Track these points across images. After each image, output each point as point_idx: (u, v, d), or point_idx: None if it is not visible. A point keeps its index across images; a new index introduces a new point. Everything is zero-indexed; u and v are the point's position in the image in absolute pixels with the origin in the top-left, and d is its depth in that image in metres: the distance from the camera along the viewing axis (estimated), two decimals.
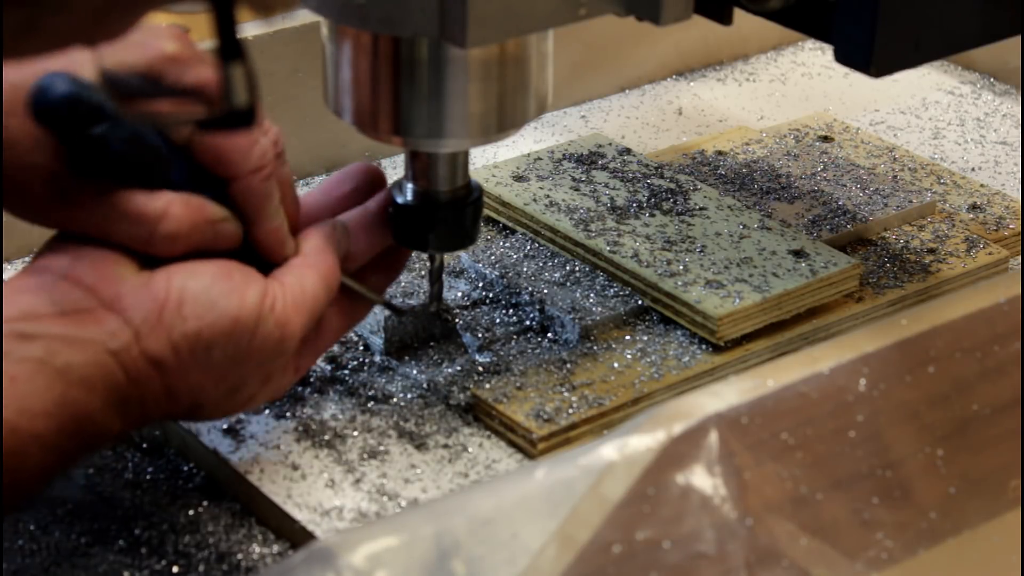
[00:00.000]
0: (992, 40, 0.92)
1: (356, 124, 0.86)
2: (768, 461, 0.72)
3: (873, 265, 1.04)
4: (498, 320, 0.98)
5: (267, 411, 0.91)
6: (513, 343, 0.96)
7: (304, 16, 1.15)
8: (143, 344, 0.78)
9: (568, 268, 1.01)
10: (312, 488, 0.87)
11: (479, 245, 1.03)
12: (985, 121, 1.30)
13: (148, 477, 0.90)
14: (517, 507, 0.68)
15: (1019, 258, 1.09)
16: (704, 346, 0.96)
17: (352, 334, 0.97)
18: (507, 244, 1.04)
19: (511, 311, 0.99)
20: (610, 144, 1.13)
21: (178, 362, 0.79)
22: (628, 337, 0.97)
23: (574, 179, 1.09)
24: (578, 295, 0.99)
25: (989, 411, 0.79)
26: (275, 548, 0.85)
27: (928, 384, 0.77)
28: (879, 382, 0.76)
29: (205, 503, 0.88)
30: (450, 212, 0.89)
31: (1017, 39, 0.96)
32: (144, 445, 0.91)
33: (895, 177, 1.14)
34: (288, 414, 0.92)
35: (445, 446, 0.90)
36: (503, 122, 0.86)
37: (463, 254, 1.02)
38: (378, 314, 0.95)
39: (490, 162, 1.19)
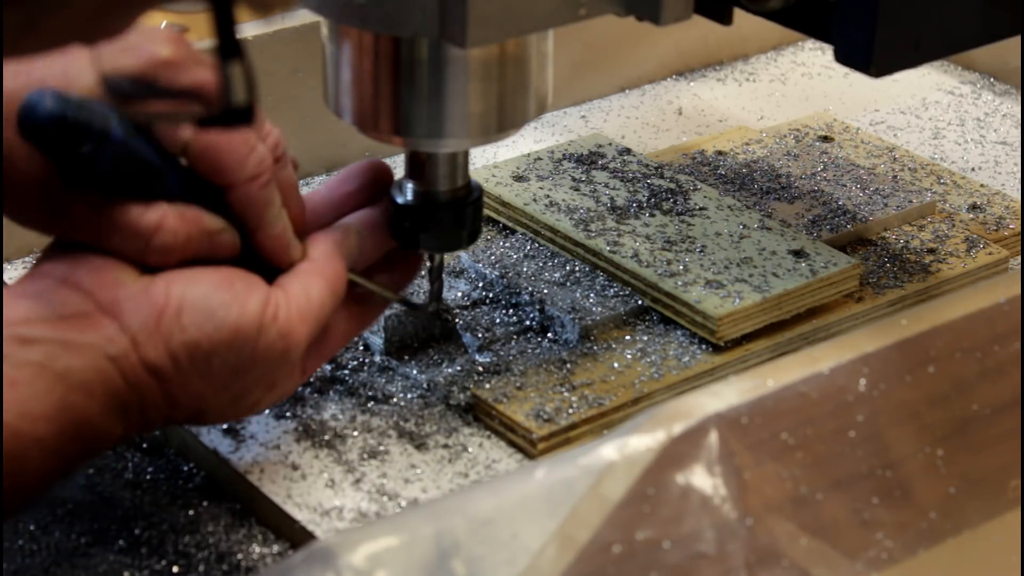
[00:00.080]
0: (992, 40, 0.92)
1: (356, 124, 0.86)
2: (768, 461, 0.72)
3: (873, 265, 1.04)
4: (498, 320, 0.98)
5: (267, 411, 0.91)
6: (513, 343, 0.96)
7: (304, 16, 1.15)
8: (141, 351, 0.78)
9: (568, 268, 1.01)
10: (312, 488, 0.87)
11: (479, 245, 1.03)
12: (985, 121, 1.30)
13: (148, 477, 0.90)
14: (517, 507, 0.68)
15: (1019, 258, 1.09)
16: (704, 346, 0.96)
17: None
18: (507, 244, 1.04)
19: (511, 311, 0.99)
20: (610, 144, 1.13)
21: (176, 371, 0.79)
22: (628, 337, 0.97)
23: (574, 179, 1.09)
24: (578, 295, 0.99)
25: (989, 411, 0.79)
26: (275, 548, 0.85)
27: (928, 384, 0.77)
28: (879, 382, 0.76)
29: (205, 503, 0.88)
30: (450, 212, 0.89)
31: (1017, 39, 0.96)
32: (144, 445, 0.91)
33: (895, 177, 1.14)
34: (288, 414, 0.92)
35: (445, 446, 0.90)
36: (503, 122, 0.86)
37: (463, 254, 1.02)
38: None
39: (490, 162, 1.19)
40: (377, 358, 0.96)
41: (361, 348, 0.96)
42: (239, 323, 0.79)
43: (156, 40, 0.79)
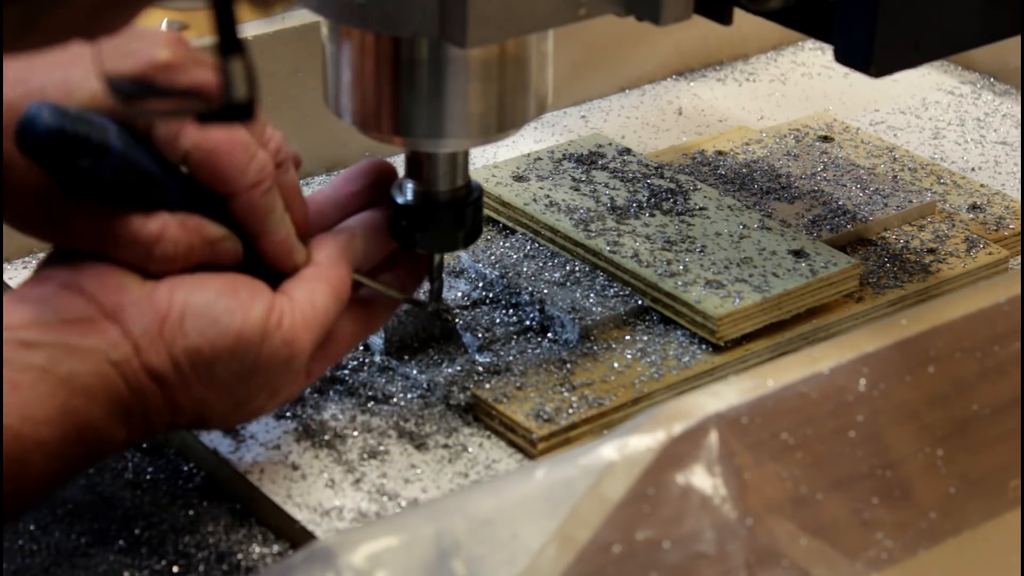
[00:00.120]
0: (992, 40, 0.92)
1: (356, 124, 0.86)
2: (768, 461, 0.72)
3: (873, 265, 1.04)
4: (498, 320, 0.98)
5: None
6: (513, 343, 0.96)
7: (304, 16, 1.15)
8: (143, 357, 0.78)
9: (568, 268, 1.01)
10: (312, 488, 0.87)
11: (479, 245, 1.03)
12: (985, 121, 1.30)
13: (148, 477, 0.90)
14: (517, 507, 0.68)
15: (1019, 258, 1.09)
16: (704, 346, 0.96)
17: None
18: (507, 244, 1.04)
19: (511, 311, 0.99)
20: (610, 144, 1.13)
21: (179, 377, 0.78)
22: (628, 337, 0.97)
23: (574, 179, 1.09)
24: (578, 295, 0.99)
25: (989, 411, 0.79)
26: (275, 548, 0.85)
27: (928, 384, 0.77)
28: (879, 382, 0.76)
29: (205, 503, 0.88)
30: (450, 212, 0.89)
31: (1017, 39, 0.96)
32: (144, 445, 0.91)
33: (895, 177, 1.14)
34: (288, 414, 0.91)
35: (445, 446, 0.90)
36: (503, 122, 0.86)
37: (463, 254, 1.02)
38: None
39: (490, 162, 1.19)
40: (377, 358, 0.96)
41: (361, 348, 0.96)
42: (242, 330, 0.79)
43: (155, 43, 0.79)
